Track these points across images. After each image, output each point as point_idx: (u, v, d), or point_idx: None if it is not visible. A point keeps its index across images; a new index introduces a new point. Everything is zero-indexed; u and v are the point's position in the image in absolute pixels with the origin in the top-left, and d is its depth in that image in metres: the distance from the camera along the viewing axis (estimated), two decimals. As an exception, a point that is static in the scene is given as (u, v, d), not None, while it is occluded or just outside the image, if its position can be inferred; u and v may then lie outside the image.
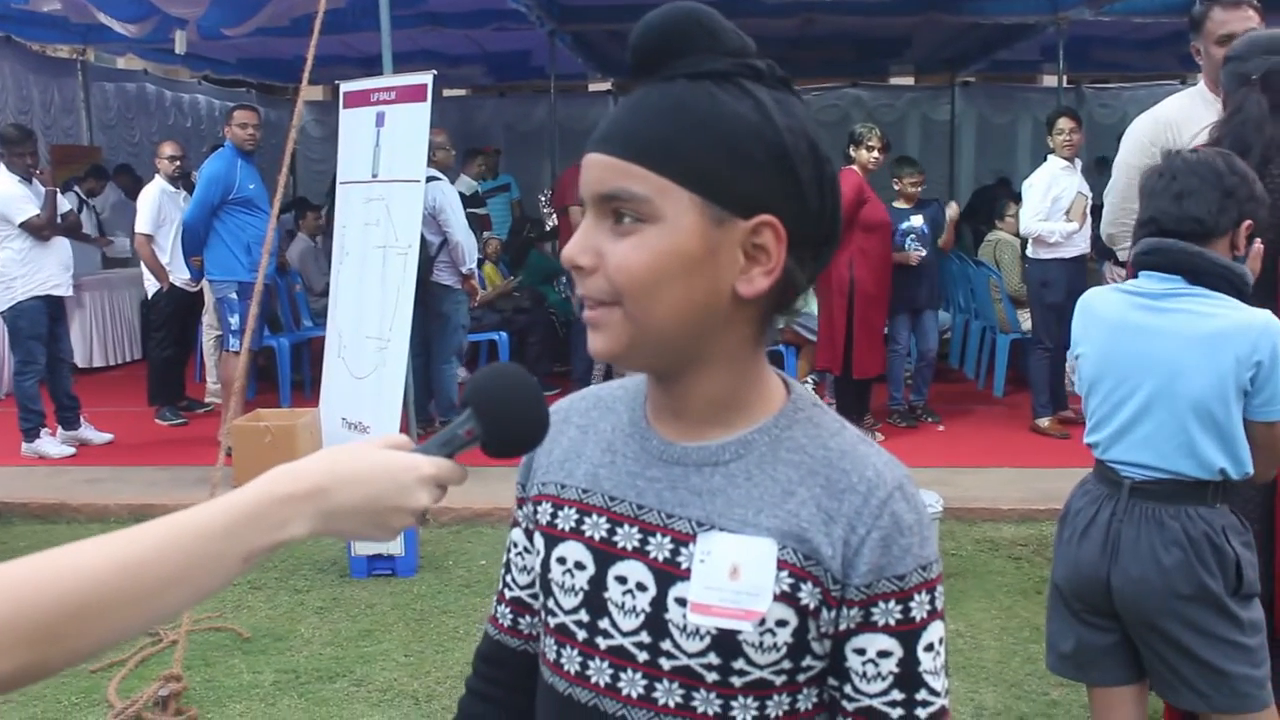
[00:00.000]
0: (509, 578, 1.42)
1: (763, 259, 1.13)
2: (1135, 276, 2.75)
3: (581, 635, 1.24)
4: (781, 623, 1.14)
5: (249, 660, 4.65)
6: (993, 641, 4.70)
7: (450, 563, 5.79)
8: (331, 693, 4.35)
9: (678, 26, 1.13)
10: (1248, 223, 2.64)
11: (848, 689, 1.17)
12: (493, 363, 1.27)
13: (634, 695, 1.20)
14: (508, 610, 1.42)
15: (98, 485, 7.04)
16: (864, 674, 1.16)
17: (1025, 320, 8.80)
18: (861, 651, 1.16)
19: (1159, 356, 2.62)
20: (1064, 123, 7.83)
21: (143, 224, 8.53)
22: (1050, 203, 7.65)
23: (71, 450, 7.84)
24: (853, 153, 7.62)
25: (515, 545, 1.40)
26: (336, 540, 5.82)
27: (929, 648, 1.16)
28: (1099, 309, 2.78)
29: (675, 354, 1.17)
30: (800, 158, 1.12)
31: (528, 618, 1.40)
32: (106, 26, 9.84)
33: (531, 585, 1.38)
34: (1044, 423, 7.91)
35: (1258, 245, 2.71)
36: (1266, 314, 2.57)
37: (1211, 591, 2.57)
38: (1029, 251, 7.93)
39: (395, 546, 5.54)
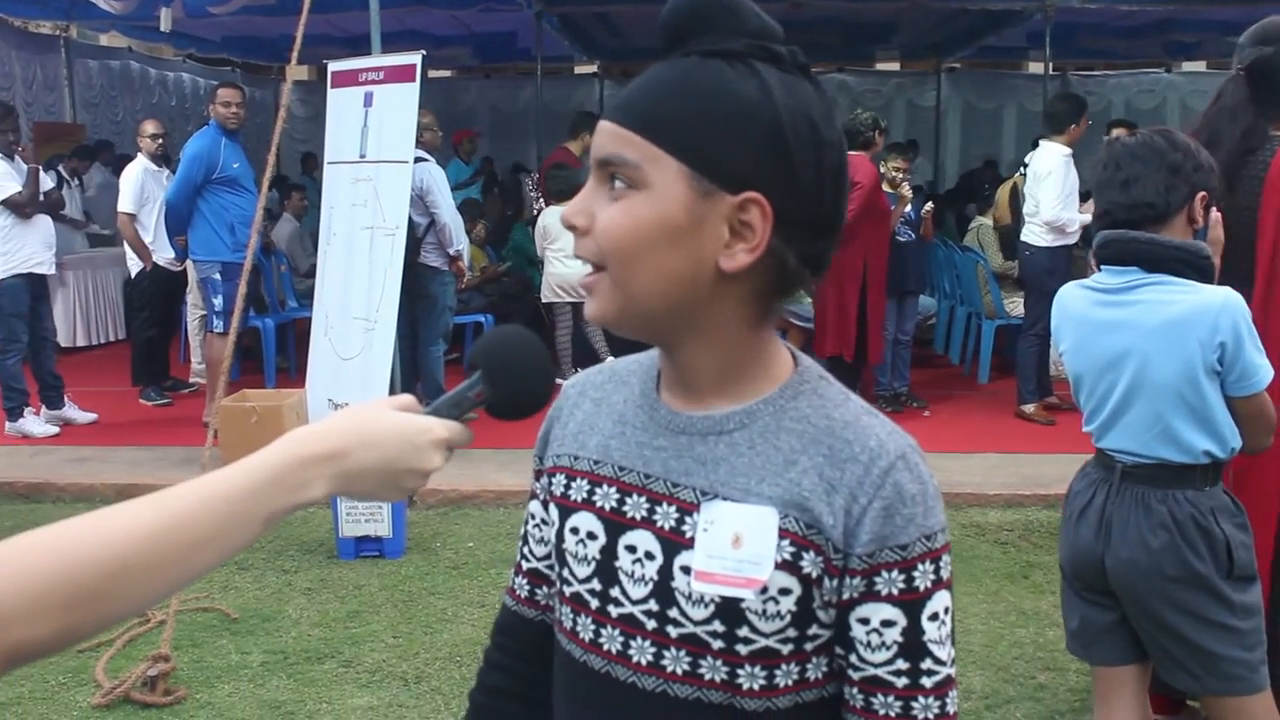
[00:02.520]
0: (526, 550, 1.44)
1: (747, 235, 1.14)
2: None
3: (594, 604, 1.26)
4: (784, 591, 1.16)
5: (237, 641, 4.65)
6: (980, 626, 4.72)
7: (438, 544, 5.79)
8: (320, 674, 4.35)
9: (701, 5, 1.16)
10: (1201, 194, 2.63)
11: (853, 658, 1.19)
12: (500, 325, 1.29)
13: (643, 663, 1.21)
14: (525, 581, 1.44)
15: (82, 465, 7.01)
16: (868, 643, 1.17)
17: (1010, 305, 8.83)
18: (865, 621, 1.17)
19: (1128, 350, 2.63)
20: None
21: (125, 203, 8.46)
22: (1069, 190, 7.63)
23: (56, 429, 7.79)
24: (877, 137, 7.65)
25: (533, 517, 1.42)
26: (324, 521, 5.84)
27: (933, 617, 1.17)
28: (1069, 306, 2.80)
29: (662, 323, 1.18)
30: (797, 139, 1.13)
31: (544, 588, 1.42)
32: (91, 3, 9.79)
33: (549, 557, 1.40)
34: (1029, 408, 7.93)
35: (1215, 214, 2.71)
36: (1225, 292, 2.56)
37: (1199, 574, 2.58)
38: (1034, 238, 7.76)
39: (383, 528, 5.54)
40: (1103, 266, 2.71)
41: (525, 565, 1.44)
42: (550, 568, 1.39)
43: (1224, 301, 2.54)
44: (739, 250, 1.14)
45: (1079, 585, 2.80)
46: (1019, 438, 7.53)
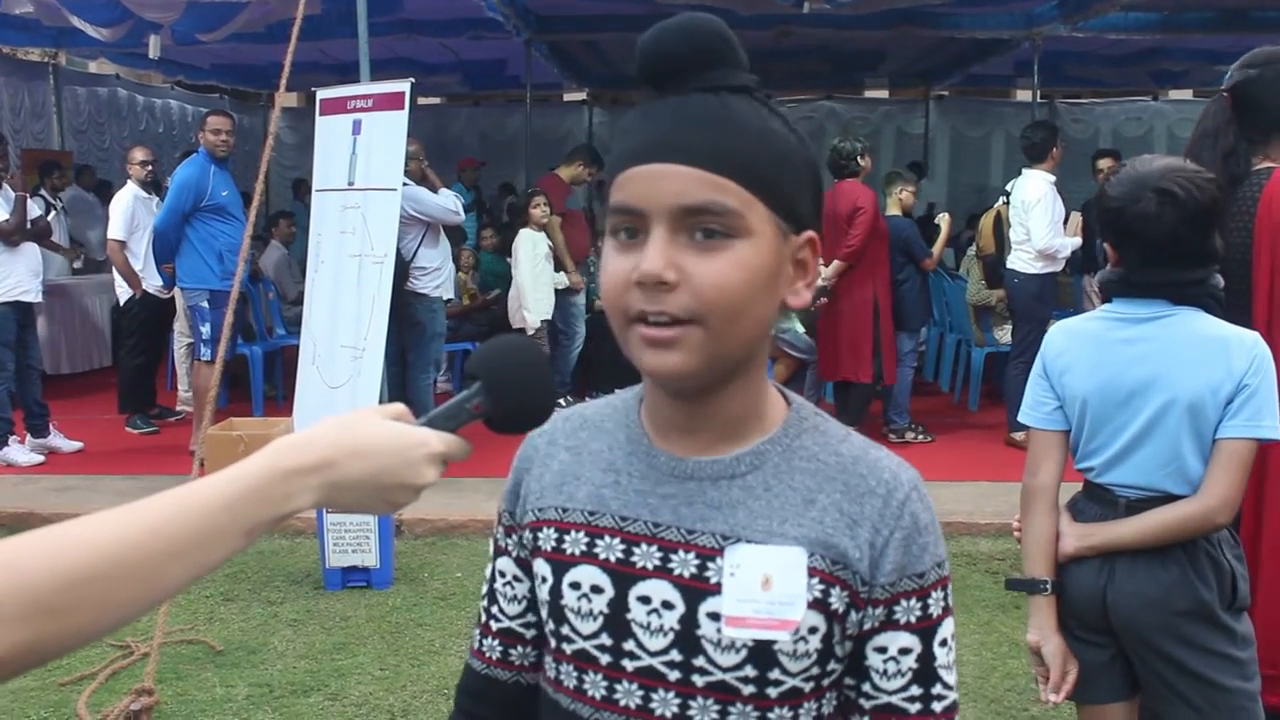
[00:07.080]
0: (495, 609, 1.38)
1: (802, 272, 1.17)
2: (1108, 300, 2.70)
3: (605, 659, 1.22)
4: (813, 629, 1.16)
5: (222, 674, 4.59)
6: (972, 656, 4.68)
7: (425, 575, 5.74)
8: (306, 707, 4.29)
9: (705, 38, 1.14)
10: None
11: (866, 687, 1.20)
12: (500, 335, 1.26)
13: (668, 715, 1.19)
14: (496, 643, 1.38)
15: (67, 494, 6.95)
16: (884, 671, 1.19)
17: (1000, 333, 8.83)
18: (883, 650, 1.19)
19: (1156, 370, 2.57)
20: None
21: (116, 230, 8.44)
22: (1058, 217, 7.72)
23: (41, 458, 7.74)
24: (861, 162, 7.69)
25: (503, 575, 1.36)
26: (311, 552, 5.79)
27: (943, 643, 1.20)
28: (1084, 335, 2.71)
29: (732, 370, 1.17)
30: (819, 175, 1.19)
31: (519, 648, 1.37)
32: (79, 30, 9.76)
33: (523, 615, 1.35)
34: (1019, 436, 7.89)
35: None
36: (1255, 335, 2.56)
37: (1207, 604, 2.55)
38: (1022, 265, 7.80)
39: (370, 558, 5.49)
40: (1116, 299, 2.65)
41: (495, 625, 1.38)
42: (526, 626, 1.35)
43: (1255, 341, 2.51)
44: (801, 287, 1.17)
45: (1073, 624, 2.76)
46: (1010, 466, 7.47)
